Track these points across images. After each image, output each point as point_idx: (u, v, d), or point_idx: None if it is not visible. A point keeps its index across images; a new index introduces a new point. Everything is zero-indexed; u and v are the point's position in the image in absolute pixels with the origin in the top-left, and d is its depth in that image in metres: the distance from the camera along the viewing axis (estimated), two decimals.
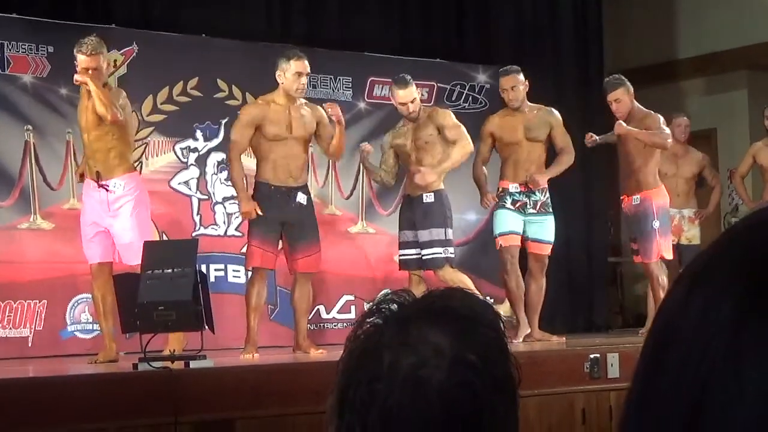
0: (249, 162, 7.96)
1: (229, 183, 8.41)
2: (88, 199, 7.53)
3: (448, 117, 8.37)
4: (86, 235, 7.52)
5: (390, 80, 8.94)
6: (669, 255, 8.90)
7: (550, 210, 8.74)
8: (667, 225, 9.03)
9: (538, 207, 8.68)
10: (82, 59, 7.29)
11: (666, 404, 0.81)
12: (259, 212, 7.58)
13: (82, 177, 7.63)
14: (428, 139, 8.27)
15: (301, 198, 7.78)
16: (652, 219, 8.83)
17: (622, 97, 8.74)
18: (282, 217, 7.74)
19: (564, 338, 8.73)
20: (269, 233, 7.73)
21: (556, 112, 8.78)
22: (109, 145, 7.40)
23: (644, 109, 8.84)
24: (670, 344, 0.82)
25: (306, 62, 7.74)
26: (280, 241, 7.82)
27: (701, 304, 0.81)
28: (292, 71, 7.68)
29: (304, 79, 7.75)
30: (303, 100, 7.93)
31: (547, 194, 8.71)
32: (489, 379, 1.42)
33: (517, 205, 8.70)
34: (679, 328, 0.82)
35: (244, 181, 7.76)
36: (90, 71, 7.25)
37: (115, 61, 7.88)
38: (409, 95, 8.21)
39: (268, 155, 7.76)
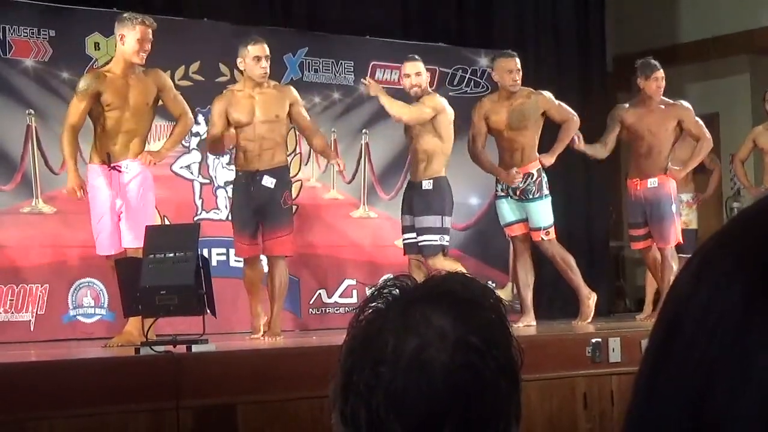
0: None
1: (232, 167, 8.45)
2: (96, 189, 7.51)
3: (427, 96, 8.34)
4: (101, 229, 7.53)
5: (392, 64, 8.96)
6: (681, 239, 8.95)
7: (533, 196, 8.64)
8: (678, 209, 9.08)
9: (518, 194, 8.66)
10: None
11: (672, 389, 0.82)
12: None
13: None
14: (424, 123, 8.28)
15: (267, 181, 7.82)
16: (671, 203, 8.84)
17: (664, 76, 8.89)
18: (253, 201, 7.85)
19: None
20: (244, 223, 7.89)
21: (545, 94, 8.73)
22: (139, 125, 7.48)
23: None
24: (678, 330, 0.83)
25: (265, 46, 7.84)
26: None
27: (709, 290, 0.82)
28: (251, 56, 7.80)
29: (264, 63, 7.82)
30: (272, 83, 8.03)
31: (529, 181, 8.63)
32: (492, 361, 1.43)
33: (505, 192, 8.72)
34: (686, 314, 0.83)
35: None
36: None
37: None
38: (415, 68, 8.24)
39: (239, 142, 7.93)
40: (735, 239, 0.84)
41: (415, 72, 8.23)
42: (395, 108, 8.23)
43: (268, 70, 7.86)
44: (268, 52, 7.84)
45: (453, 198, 8.37)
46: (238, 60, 7.89)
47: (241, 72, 8.19)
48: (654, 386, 0.83)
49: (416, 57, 8.36)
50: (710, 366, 0.79)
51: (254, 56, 7.78)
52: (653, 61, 8.93)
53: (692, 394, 0.80)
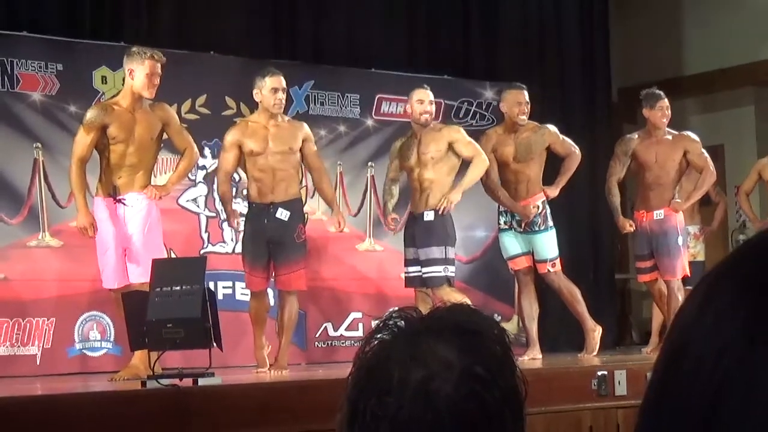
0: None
1: (237, 200, 8.47)
2: (101, 222, 7.52)
3: (460, 132, 8.46)
4: (106, 263, 7.54)
5: (398, 97, 9.00)
6: (688, 271, 8.93)
7: (538, 228, 8.66)
8: (685, 241, 9.07)
9: (523, 226, 8.68)
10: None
11: (678, 413, 0.83)
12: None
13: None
14: (435, 155, 8.30)
15: (281, 214, 7.84)
16: (677, 235, 8.83)
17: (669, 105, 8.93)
18: (265, 233, 7.86)
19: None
20: (256, 256, 7.90)
21: (550, 128, 8.79)
22: (144, 159, 7.49)
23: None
24: (684, 355, 0.85)
25: (281, 78, 7.92)
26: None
27: (714, 317, 0.84)
28: (268, 87, 7.85)
29: (281, 95, 7.90)
30: (286, 117, 8.15)
31: (534, 213, 8.65)
32: (497, 392, 1.44)
33: (508, 225, 8.73)
34: (692, 339, 0.85)
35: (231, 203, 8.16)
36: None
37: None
38: (427, 96, 8.34)
39: (251, 173, 7.96)
40: (738, 268, 0.86)
41: (429, 100, 8.32)
42: (477, 172, 8.30)
43: (284, 102, 7.93)
44: (284, 84, 7.91)
45: (455, 229, 8.40)
46: (254, 91, 7.92)
47: (250, 108, 8.23)
48: (659, 411, 0.85)
49: (426, 86, 8.44)
50: (716, 391, 0.81)
51: (271, 88, 7.84)
52: (658, 91, 8.97)
53: (698, 419, 0.82)
